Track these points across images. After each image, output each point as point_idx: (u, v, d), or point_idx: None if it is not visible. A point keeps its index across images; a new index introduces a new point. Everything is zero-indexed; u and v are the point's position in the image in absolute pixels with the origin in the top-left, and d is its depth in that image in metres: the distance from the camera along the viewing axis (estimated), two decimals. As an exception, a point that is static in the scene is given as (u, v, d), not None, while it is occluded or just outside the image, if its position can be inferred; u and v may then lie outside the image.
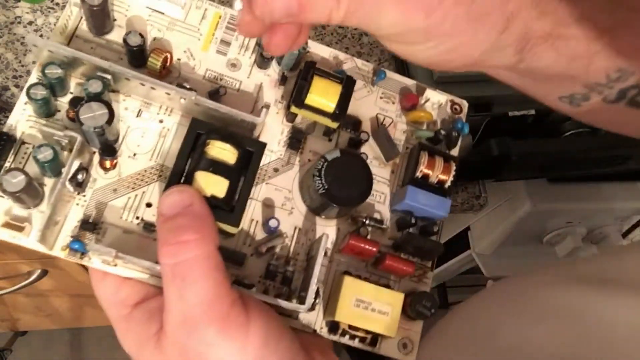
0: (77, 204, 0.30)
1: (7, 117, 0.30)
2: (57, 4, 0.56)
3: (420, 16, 0.21)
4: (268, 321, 0.27)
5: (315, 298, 0.30)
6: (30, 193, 0.28)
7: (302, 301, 0.29)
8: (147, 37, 0.33)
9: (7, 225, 0.28)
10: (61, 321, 0.96)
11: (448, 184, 0.34)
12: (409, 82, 0.37)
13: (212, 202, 0.28)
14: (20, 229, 0.28)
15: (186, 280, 0.25)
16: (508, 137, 0.58)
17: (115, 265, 0.29)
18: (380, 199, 0.35)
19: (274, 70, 0.35)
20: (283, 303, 0.29)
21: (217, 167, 0.29)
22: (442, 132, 0.35)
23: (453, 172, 0.34)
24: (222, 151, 0.30)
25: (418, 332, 0.33)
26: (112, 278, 0.29)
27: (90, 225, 0.30)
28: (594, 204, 0.71)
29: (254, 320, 0.26)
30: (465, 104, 0.38)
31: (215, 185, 0.29)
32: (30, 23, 0.55)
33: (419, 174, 0.34)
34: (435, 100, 0.37)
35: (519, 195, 0.69)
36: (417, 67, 0.57)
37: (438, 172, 0.34)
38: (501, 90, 0.57)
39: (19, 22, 0.55)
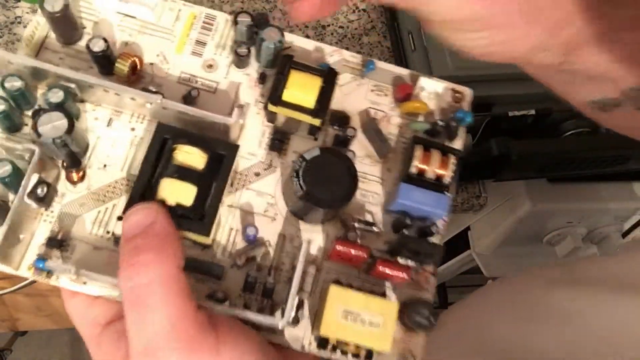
0: (45, 220, 0.29)
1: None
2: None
3: (479, 5, 0.21)
4: (241, 341, 0.24)
5: (298, 311, 0.27)
6: (-7, 211, 0.27)
7: (282, 315, 0.27)
8: (116, 42, 0.32)
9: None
10: (61, 321, 0.97)
11: (447, 179, 0.31)
12: (402, 72, 0.34)
13: (178, 211, 0.26)
14: (-18, 249, 0.27)
15: (146, 305, 0.23)
16: (508, 137, 0.57)
17: (84, 283, 0.28)
18: (374, 200, 0.32)
19: (253, 68, 0.33)
20: (256, 317, 0.26)
21: (184, 173, 0.27)
22: (440, 123, 0.32)
23: (452, 166, 0.31)
24: (189, 156, 0.27)
25: (420, 344, 0.29)
26: (82, 296, 0.28)
27: (57, 242, 0.28)
28: (594, 204, 0.70)
29: (224, 341, 0.24)
30: (468, 92, 0.34)
31: (181, 192, 0.27)
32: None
33: (413, 170, 0.30)
34: (432, 89, 0.34)
35: (519, 195, 0.69)
36: (415, 62, 0.56)
37: (435, 167, 0.30)
38: (501, 90, 0.58)
39: (19, 22, 0.55)
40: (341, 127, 0.32)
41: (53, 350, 1.14)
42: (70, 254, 0.28)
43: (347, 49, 0.59)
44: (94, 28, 0.32)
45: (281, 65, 0.30)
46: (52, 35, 0.32)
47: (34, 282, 0.68)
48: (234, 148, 0.28)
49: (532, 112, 0.59)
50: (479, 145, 0.60)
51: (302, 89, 0.30)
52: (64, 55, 0.32)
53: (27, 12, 0.55)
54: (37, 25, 0.31)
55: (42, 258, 0.28)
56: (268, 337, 0.28)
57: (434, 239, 0.30)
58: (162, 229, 0.25)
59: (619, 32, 0.23)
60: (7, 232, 0.26)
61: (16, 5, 0.55)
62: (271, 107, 0.30)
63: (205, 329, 0.23)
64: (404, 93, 0.33)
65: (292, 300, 0.26)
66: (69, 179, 0.29)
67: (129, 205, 0.26)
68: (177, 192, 0.27)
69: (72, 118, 0.28)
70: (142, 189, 0.27)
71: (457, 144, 0.33)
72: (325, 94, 0.30)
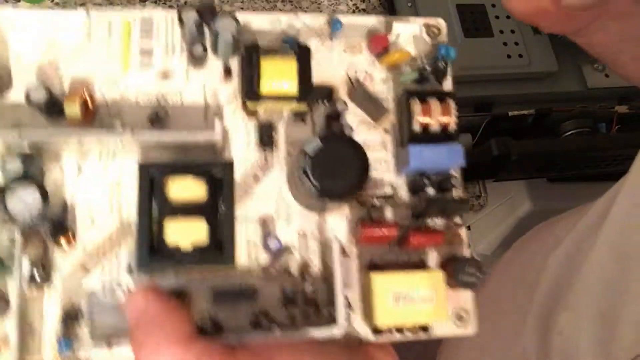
0: (50, 297, 0.26)
1: None
2: (57, 4, 0.54)
3: None
4: None
5: (348, 316, 0.25)
6: (-10, 312, 0.24)
7: (332, 319, 0.25)
8: (54, 80, 0.28)
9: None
10: None
11: (452, 126, 0.29)
12: (373, 21, 0.31)
13: (194, 257, 0.24)
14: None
15: None
16: (508, 137, 0.57)
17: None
18: (383, 167, 0.30)
19: (213, 64, 0.29)
20: (316, 333, 0.25)
21: (187, 209, 0.24)
22: (427, 68, 0.30)
23: (454, 111, 0.29)
24: (185, 189, 0.25)
25: (470, 299, 0.29)
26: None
27: (74, 314, 0.26)
28: None
29: None
30: (442, 23, 0.32)
31: (192, 232, 0.24)
32: None
33: (416, 127, 0.29)
34: (408, 32, 0.31)
35: (519, 195, 0.69)
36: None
37: (437, 117, 0.29)
38: (501, 90, 0.59)
39: None
40: (328, 101, 0.30)
41: None
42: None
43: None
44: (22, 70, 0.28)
45: (247, 57, 0.27)
46: (-23, 90, 0.27)
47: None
48: (229, 167, 0.26)
49: (532, 112, 0.59)
50: (479, 145, 0.60)
51: (278, 77, 0.27)
52: None
53: None
54: (-44, 85, 0.27)
55: (66, 338, 0.25)
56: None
57: (455, 193, 0.29)
58: (154, 310, 0.23)
59: None
60: (18, 324, 0.23)
61: (16, 5, 0.51)
62: (250, 105, 0.27)
63: None
64: (380, 46, 0.30)
65: (340, 305, 0.25)
66: (59, 246, 0.26)
67: (140, 263, 0.24)
68: (187, 233, 0.24)
69: (42, 186, 0.24)
70: (147, 240, 0.24)
71: (448, 83, 0.31)
72: (305, 74, 0.27)
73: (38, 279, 0.24)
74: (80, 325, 0.26)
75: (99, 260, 0.27)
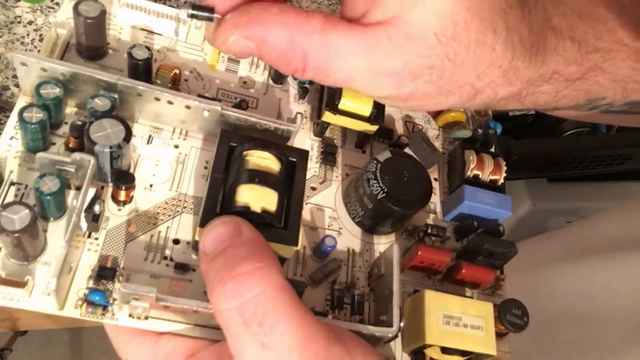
0: (89, 250, 0.24)
1: (8, 116, 0.24)
2: (57, 3, 0.55)
3: (391, 90, 0.21)
4: (369, 352, 0.21)
5: (400, 320, 0.24)
6: (33, 236, 0.22)
7: (388, 325, 0.24)
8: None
9: (4, 282, 0.22)
10: (61, 321, 0.87)
11: (501, 181, 0.31)
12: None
13: (262, 219, 0.24)
14: (21, 284, 0.22)
15: (264, 323, 0.19)
16: (508, 137, 0.58)
17: (147, 318, 0.23)
18: (431, 209, 0.31)
19: (290, 85, 0.32)
20: (373, 329, 0.23)
21: (263, 178, 0.24)
22: (480, 130, 0.33)
23: (504, 170, 0.31)
24: (265, 160, 0.25)
25: (507, 352, 0.28)
26: (146, 335, 0.23)
27: (110, 271, 0.24)
28: (594, 203, 0.71)
29: (354, 352, 0.21)
30: (487, 107, 0.36)
31: (263, 198, 0.24)
32: (30, 23, 0.53)
33: (470, 174, 0.30)
34: (462, 101, 0.34)
35: (519, 195, 0.69)
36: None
37: (489, 171, 0.31)
38: None
39: (19, 22, 0.53)
40: (387, 140, 0.32)
41: (53, 350, 1.10)
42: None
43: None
44: (118, 44, 0.29)
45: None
46: (70, 52, 0.28)
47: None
48: (305, 154, 0.26)
49: (532, 112, 0.60)
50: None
51: (357, 98, 0.29)
52: (88, 71, 0.28)
53: (27, 12, 0.53)
54: (57, 37, 0.28)
55: (95, 290, 0.23)
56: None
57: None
58: (252, 236, 0.22)
59: (540, 87, 0.23)
60: (65, 258, 0.21)
61: (16, 5, 0.54)
62: (328, 117, 0.29)
63: (333, 340, 0.20)
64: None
65: (396, 309, 0.24)
66: (115, 198, 0.25)
67: (205, 218, 0.23)
68: (259, 197, 0.24)
69: (128, 125, 0.24)
70: (215, 200, 0.24)
71: (492, 150, 0.34)
72: (379, 103, 0.30)
73: (97, 212, 0.23)
74: (111, 282, 0.24)
75: (148, 227, 0.25)
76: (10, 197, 0.24)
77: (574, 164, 0.64)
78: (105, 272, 0.23)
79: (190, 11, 0.21)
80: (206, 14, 0.21)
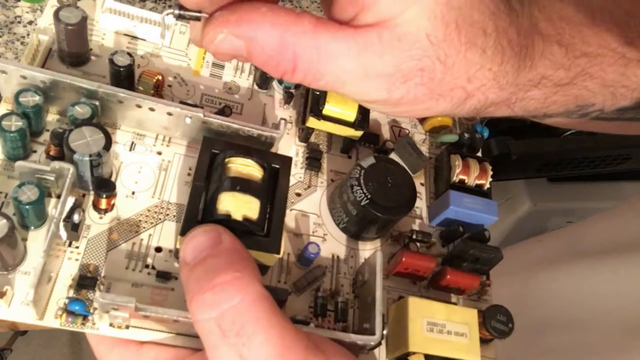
0: (70, 258, 0.24)
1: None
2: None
3: (382, 93, 0.21)
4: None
5: (383, 328, 0.24)
6: (12, 246, 0.22)
7: (371, 333, 0.24)
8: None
9: (-19, 292, 0.22)
10: None
11: (487, 185, 0.31)
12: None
13: (244, 227, 0.23)
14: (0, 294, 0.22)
15: (242, 334, 0.19)
16: (508, 137, 0.58)
17: (127, 327, 0.23)
18: (417, 214, 0.31)
19: (275, 90, 0.32)
20: (355, 337, 0.23)
21: (245, 186, 0.24)
22: (466, 135, 0.33)
23: (490, 175, 0.31)
24: (247, 167, 0.25)
25: (493, 358, 0.28)
26: (127, 345, 0.23)
27: (90, 280, 0.23)
28: (594, 203, 0.71)
29: None
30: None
31: (245, 206, 0.24)
32: (30, 22, 0.54)
33: (455, 179, 0.30)
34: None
35: (519, 195, 0.69)
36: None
37: (475, 175, 0.31)
38: None
39: (19, 22, 0.54)
40: (373, 145, 0.32)
41: (53, 350, 1.10)
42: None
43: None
44: (101, 50, 0.29)
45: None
46: (52, 59, 0.28)
47: None
48: (288, 160, 0.26)
49: None
50: (478, 146, 0.61)
51: (342, 103, 0.29)
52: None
53: (27, 12, 0.54)
54: (38, 44, 0.28)
55: (75, 300, 0.23)
56: None
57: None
58: (232, 245, 0.21)
59: (529, 92, 0.23)
60: (44, 268, 0.21)
61: (16, 5, 0.54)
62: (312, 122, 0.29)
63: (312, 350, 0.20)
64: (425, 110, 0.33)
65: (378, 316, 0.24)
66: (96, 206, 0.25)
67: (186, 227, 0.23)
68: (241, 205, 0.24)
69: (108, 133, 0.24)
70: (197, 208, 0.24)
71: (478, 155, 0.33)
72: (364, 108, 0.30)
73: (76, 221, 0.23)
74: (92, 291, 0.23)
75: (131, 234, 0.25)
76: (-11, 206, 0.24)
77: (574, 164, 0.64)
78: (85, 282, 0.23)
79: (178, 11, 0.20)
80: (194, 14, 0.20)
